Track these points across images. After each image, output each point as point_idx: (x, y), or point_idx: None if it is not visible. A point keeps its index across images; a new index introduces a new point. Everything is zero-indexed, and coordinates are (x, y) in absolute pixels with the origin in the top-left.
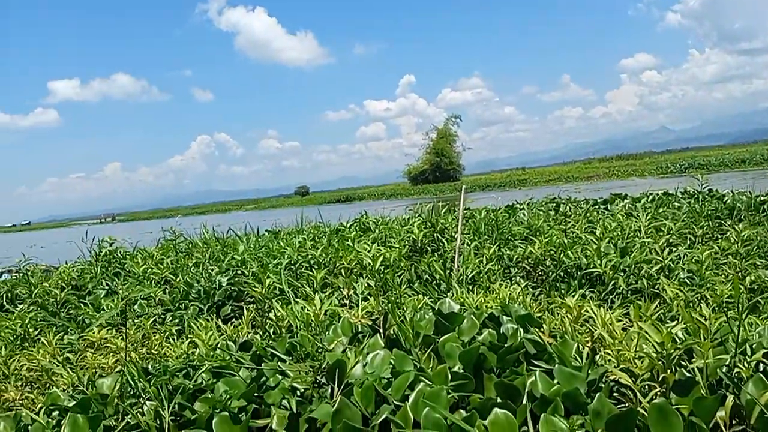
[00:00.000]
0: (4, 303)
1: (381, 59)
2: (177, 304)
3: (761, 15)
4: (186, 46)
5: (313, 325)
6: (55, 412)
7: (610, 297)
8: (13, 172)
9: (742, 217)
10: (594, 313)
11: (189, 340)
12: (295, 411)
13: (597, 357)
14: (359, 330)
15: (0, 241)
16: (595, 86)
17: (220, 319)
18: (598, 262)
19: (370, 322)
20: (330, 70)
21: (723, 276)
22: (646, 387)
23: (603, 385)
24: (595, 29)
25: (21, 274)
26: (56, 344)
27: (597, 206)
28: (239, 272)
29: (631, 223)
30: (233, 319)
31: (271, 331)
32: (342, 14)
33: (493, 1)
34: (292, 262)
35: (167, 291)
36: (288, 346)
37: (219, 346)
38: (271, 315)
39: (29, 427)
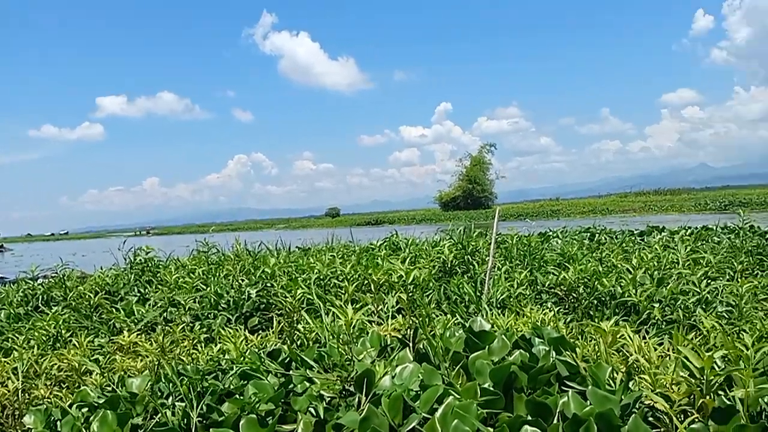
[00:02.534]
0: (40, 304)
1: (420, 86)
2: (206, 313)
3: None
4: (231, 68)
5: (342, 336)
6: (85, 409)
7: (644, 327)
8: (58, 183)
9: None
10: (630, 338)
11: (218, 347)
12: (322, 417)
13: (631, 383)
14: (388, 343)
15: (39, 249)
16: (635, 120)
17: (247, 330)
18: (633, 291)
19: (399, 336)
20: (369, 95)
21: (763, 312)
22: (682, 414)
23: (637, 410)
24: (637, 63)
25: (57, 278)
26: (87, 346)
27: (633, 237)
28: (269, 284)
29: (669, 255)
30: (260, 331)
31: (299, 342)
32: (384, 40)
33: (537, 33)
34: (321, 277)
35: (197, 300)
36: (316, 355)
37: (248, 352)
38: (300, 327)
39: (59, 421)
